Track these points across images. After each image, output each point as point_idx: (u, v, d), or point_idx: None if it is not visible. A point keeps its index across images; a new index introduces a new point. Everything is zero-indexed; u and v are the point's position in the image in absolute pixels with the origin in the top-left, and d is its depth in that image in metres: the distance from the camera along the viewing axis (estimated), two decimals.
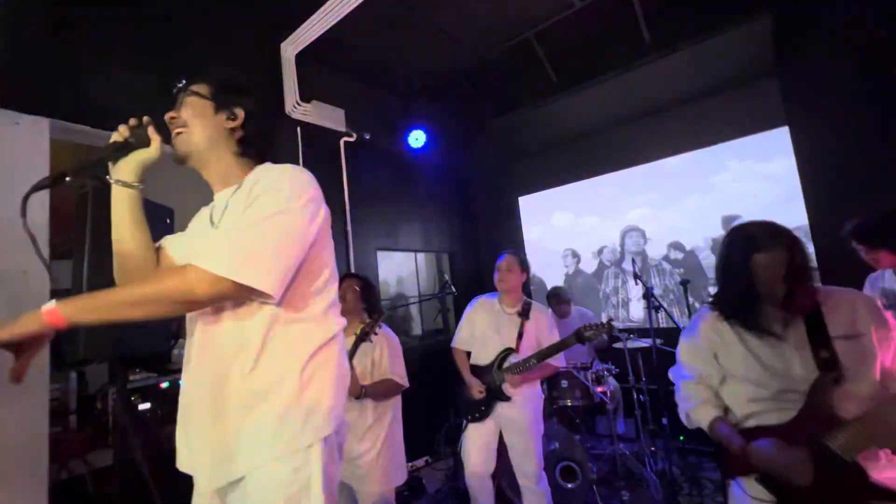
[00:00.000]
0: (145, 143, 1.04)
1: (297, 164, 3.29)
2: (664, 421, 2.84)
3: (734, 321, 1.22)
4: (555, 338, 2.31)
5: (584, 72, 3.90)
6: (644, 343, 3.11)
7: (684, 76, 3.65)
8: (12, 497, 1.73)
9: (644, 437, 2.98)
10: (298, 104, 3.23)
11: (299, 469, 0.85)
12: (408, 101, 4.39)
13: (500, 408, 2.26)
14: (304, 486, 0.84)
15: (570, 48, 3.90)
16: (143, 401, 2.34)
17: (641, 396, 3.06)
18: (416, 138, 4.03)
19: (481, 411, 2.28)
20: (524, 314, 2.33)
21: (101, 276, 1.48)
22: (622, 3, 3.39)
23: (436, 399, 3.57)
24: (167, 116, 1.06)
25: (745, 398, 1.21)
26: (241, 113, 1.07)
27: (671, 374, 1.42)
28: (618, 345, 3.25)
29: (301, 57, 3.31)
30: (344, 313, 2.19)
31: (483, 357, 2.35)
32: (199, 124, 1.04)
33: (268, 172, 0.97)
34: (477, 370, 2.35)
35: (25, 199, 0.88)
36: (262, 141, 1.12)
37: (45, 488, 1.81)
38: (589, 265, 4.55)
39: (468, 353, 2.43)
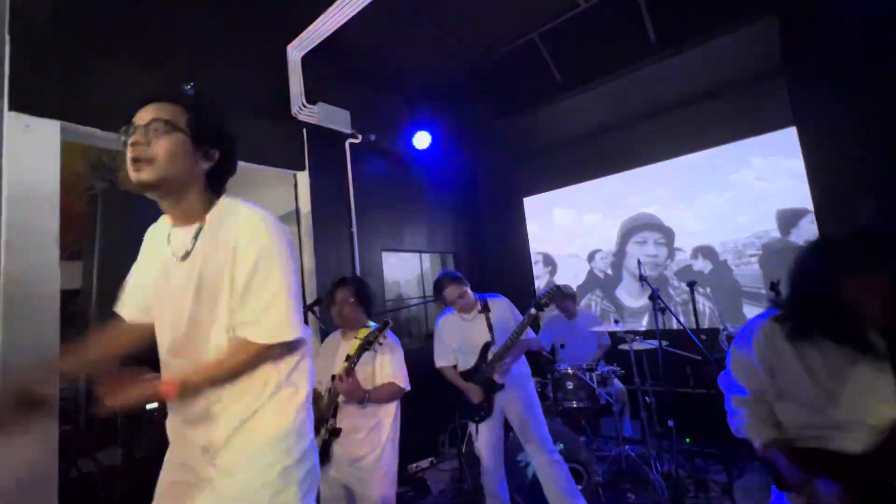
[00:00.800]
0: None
1: (303, 165, 3.31)
2: (670, 423, 2.82)
3: (808, 336, 1.10)
4: (517, 316, 2.50)
5: (590, 72, 3.89)
6: (650, 345, 3.09)
7: (690, 76, 3.64)
8: (23, 495, 1.76)
9: (650, 439, 2.96)
10: (304, 106, 3.25)
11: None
12: (413, 103, 4.40)
13: (499, 398, 2.41)
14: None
15: (575, 48, 3.89)
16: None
17: (647, 398, 3.04)
18: (422, 139, 4.03)
19: (485, 409, 2.41)
20: (485, 309, 2.50)
21: (112, 277, 1.50)
22: (627, 3, 3.38)
23: (440, 400, 3.56)
24: (131, 141, 0.98)
25: (801, 421, 1.12)
26: (216, 154, 1.08)
27: (720, 382, 1.31)
28: (623, 346, 3.23)
29: (307, 59, 3.33)
30: (343, 326, 2.13)
31: (468, 362, 2.48)
32: (171, 160, 0.98)
33: (248, 226, 1.03)
34: (468, 375, 2.46)
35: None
36: (226, 179, 1.13)
37: (54, 486, 1.84)
38: (576, 273, 4.52)
39: (455, 367, 2.55)
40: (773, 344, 1.14)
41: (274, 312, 1.02)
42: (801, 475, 1.04)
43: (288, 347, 1.06)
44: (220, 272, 1.01)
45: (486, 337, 2.44)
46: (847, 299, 1.00)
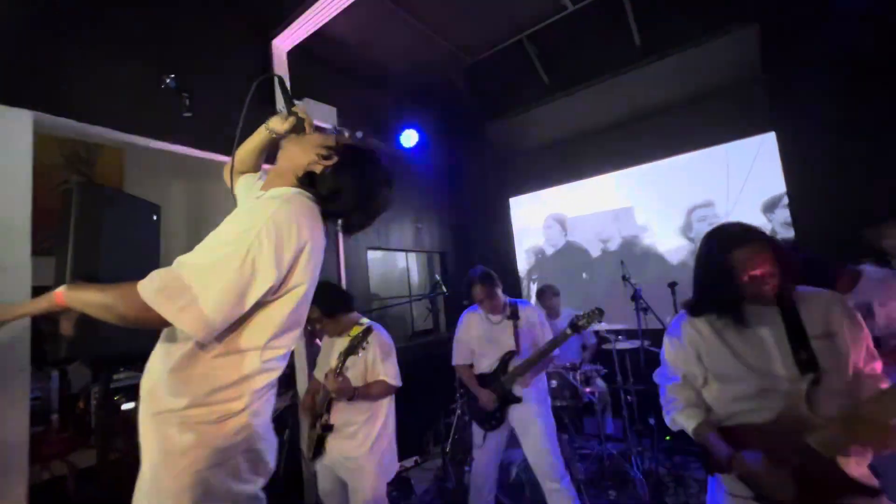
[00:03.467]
0: (300, 127, 1.20)
1: None
2: (651, 421, 2.88)
3: (717, 318, 1.24)
4: (547, 328, 2.42)
5: (576, 75, 3.93)
6: (632, 345, 3.14)
7: (674, 81, 3.70)
8: None
9: (631, 437, 3.01)
10: None
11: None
12: (400, 101, 4.38)
13: (513, 411, 2.32)
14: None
15: (562, 51, 3.92)
16: (127, 400, 2.31)
17: (629, 397, 3.09)
18: (408, 137, 4.02)
19: (497, 419, 2.33)
20: (514, 316, 2.39)
21: (85, 273, 1.45)
22: (614, 7, 3.42)
23: (425, 399, 3.56)
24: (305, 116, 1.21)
25: (728, 397, 1.22)
26: (334, 178, 1.11)
27: (656, 377, 1.43)
28: (606, 346, 3.28)
29: (293, 53, 3.28)
30: (334, 335, 2.13)
31: (485, 366, 2.41)
32: (305, 144, 1.16)
33: (263, 203, 1.01)
34: (482, 379, 2.40)
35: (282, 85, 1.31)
36: (332, 200, 1.12)
37: (24, 489, 1.77)
38: (562, 273, 4.57)
39: (471, 366, 2.48)
40: (698, 329, 1.29)
41: (169, 274, 0.88)
42: (729, 450, 1.15)
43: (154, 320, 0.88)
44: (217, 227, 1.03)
45: (510, 345, 2.35)
46: (732, 269, 1.17)
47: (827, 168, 3.04)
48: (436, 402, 3.49)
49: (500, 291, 2.39)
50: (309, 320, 2.02)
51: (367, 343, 1.96)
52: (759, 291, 1.15)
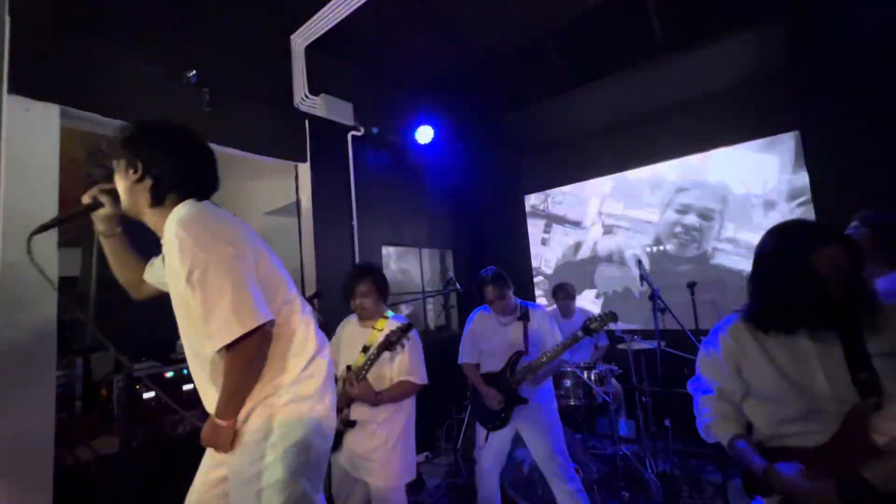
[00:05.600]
0: (102, 204, 1.17)
1: (305, 156, 3.29)
2: (666, 422, 2.84)
3: (773, 331, 1.11)
4: (557, 332, 2.36)
5: (595, 70, 3.86)
6: (648, 345, 3.10)
7: (696, 77, 3.62)
8: (20, 481, 1.75)
9: (645, 438, 2.98)
10: (307, 97, 3.23)
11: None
12: (416, 96, 4.37)
13: (518, 412, 2.29)
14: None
15: (581, 46, 3.86)
16: (148, 389, 2.36)
17: (644, 398, 3.05)
18: (424, 134, 4.01)
19: (501, 419, 2.30)
20: (524, 317, 2.37)
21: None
22: (635, 3, 3.35)
23: (438, 395, 3.56)
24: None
25: (771, 417, 1.12)
26: (139, 164, 1.08)
27: (689, 387, 1.33)
28: (621, 346, 3.24)
29: (311, 49, 3.30)
30: (366, 318, 2.08)
31: (493, 365, 2.39)
32: (120, 186, 1.13)
33: (172, 233, 1.04)
34: (489, 378, 2.38)
35: (30, 238, 1.07)
36: (176, 184, 1.12)
37: (50, 473, 1.83)
38: (577, 272, 4.51)
39: (477, 366, 2.46)
40: (738, 341, 1.17)
41: (214, 317, 0.99)
42: (763, 462, 1.06)
43: (261, 336, 1.03)
44: (178, 277, 1.04)
45: (519, 346, 2.33)
46: (815, 271, 1.02)
47: (853, 169, 2.94)
48: (447, 398, 3.50)
49: (511, 293, 2.37)
50: (356, 294, 2.04)
51: (407, 339, 1.91)
52: (836, 297, 1.02)
